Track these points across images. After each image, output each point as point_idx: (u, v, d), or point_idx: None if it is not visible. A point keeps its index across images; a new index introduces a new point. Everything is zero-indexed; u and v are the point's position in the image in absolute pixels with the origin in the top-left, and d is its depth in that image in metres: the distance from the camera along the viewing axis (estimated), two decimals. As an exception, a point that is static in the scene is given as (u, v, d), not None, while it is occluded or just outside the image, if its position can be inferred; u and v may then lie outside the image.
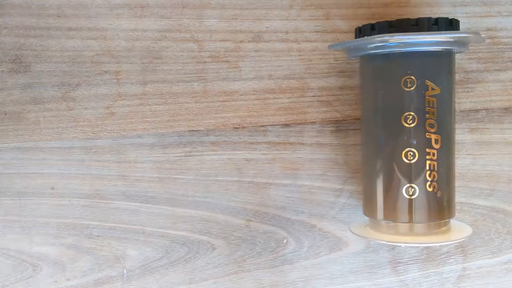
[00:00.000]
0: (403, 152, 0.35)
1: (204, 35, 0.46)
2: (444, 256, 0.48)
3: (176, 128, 0.46)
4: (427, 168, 0.35)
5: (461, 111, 0.48)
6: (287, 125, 0.46)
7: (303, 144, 0.47)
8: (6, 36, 0.44)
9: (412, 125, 0.35)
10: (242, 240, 0.47)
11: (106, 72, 0.45)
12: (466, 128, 0.48)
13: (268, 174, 0.47)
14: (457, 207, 0.44)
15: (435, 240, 0.37)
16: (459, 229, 0.40)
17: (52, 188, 0.45)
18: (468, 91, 0.48)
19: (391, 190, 0.36)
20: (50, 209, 0.45)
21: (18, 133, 0.45)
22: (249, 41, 0.46)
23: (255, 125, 0.46)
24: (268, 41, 0.46)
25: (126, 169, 0.45)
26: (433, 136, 0.35)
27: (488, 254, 0.49)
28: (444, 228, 0.38)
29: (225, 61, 0.46)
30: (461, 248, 0.49)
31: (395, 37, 0.34)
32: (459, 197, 0.48)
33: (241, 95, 0.46)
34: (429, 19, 0.35)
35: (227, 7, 0.46)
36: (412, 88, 0.35)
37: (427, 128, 0.35)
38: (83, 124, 0.45)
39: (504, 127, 0.48)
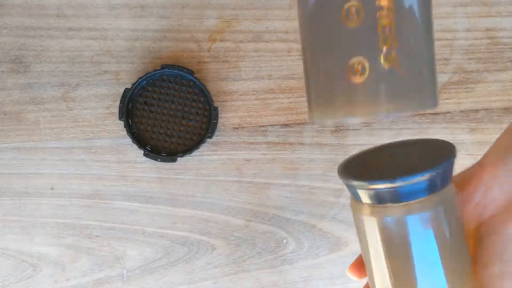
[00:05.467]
0: (343, 9, 0.22)
1: (204, 35, 0.46)
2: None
3: (176, 128, 0.46)
4: (380, 31, 0.22)
5: (461, 111, 0.48)
6: (286, 125, 0.46)
7: (302, 144, 0.47)
8: (6, 36, 0.44)
9: None
10: (242, 240, 0.47)
11: (106, 72, 0.45)
12: (466, 128, 0.48)
13: (268, 174, 0.47)
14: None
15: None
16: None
17: (52, 188, 0.45)
18: (468, 91, 0.48)
19: (333, 73, 0.24)
20: (50, 209, 0.45)
21: (18, 133, 0.45)
22: (249, 41, 0.46)
23: (255, 125, 0.46)
24: (268, 41, 0.46)
25: (126, 169, 0.45)
26: None
27: (488, 254, 0.49)
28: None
29: (225, 61, 0.46)
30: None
31: None
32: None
33: (241, 95, 0.46)
34: None
35: (227, 7, 0.46)
36: None
37: None
38: (83, 124, 0.45)
39: (503, 127, 0.48)
